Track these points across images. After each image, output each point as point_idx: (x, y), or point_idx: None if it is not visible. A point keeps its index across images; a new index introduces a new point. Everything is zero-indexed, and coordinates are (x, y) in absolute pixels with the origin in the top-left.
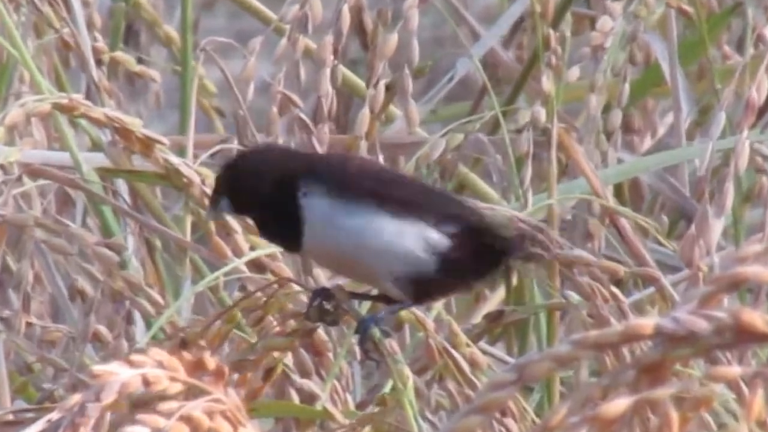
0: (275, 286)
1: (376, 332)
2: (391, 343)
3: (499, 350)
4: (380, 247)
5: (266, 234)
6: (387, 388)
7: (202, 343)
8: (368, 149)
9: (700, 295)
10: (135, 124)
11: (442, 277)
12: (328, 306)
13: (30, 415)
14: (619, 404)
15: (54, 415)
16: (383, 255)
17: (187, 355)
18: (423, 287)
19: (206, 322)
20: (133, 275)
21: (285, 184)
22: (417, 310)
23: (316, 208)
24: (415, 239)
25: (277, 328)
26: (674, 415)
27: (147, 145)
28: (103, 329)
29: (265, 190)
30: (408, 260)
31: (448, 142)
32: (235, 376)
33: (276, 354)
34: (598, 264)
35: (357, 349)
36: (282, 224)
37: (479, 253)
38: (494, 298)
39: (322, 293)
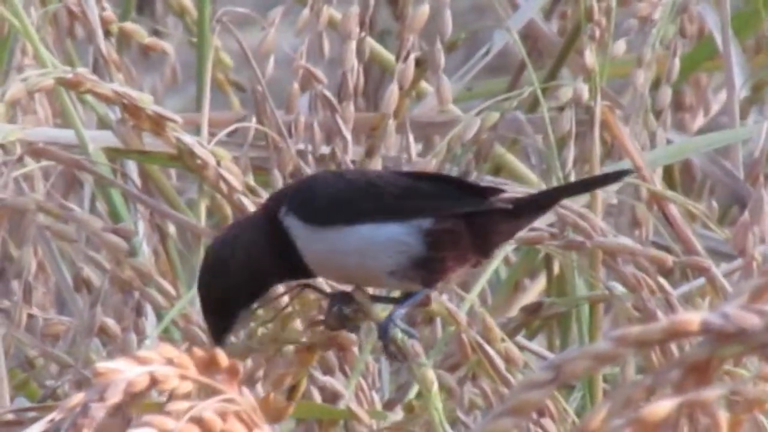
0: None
1: (398, 333)
2: (414, 345)
3: (540, 345)
4: (362, 246)
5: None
6: (414, 392)
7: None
8: (397, 128)
9: (751, 288)
10: (145, 100)
11: (437, 254)
12: (347, 311)
13: (31, 414)
14: (663, 406)
15: (56, 416)
16: (369, 253)
17: (198, 352)
18: (425, 270)
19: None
20: (143, 264)
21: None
22: (449, 303)
23: (294, 229)
24: (395, 226)
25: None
26: (723, 418)
27: (158, 124)
28: (110, 322)
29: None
30: (394, 249)
31: (483, 121)
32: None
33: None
34: (644, 253)
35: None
36: (284, 266)
37: (467, 223)
38: (534, 289)
39: (340, 298)
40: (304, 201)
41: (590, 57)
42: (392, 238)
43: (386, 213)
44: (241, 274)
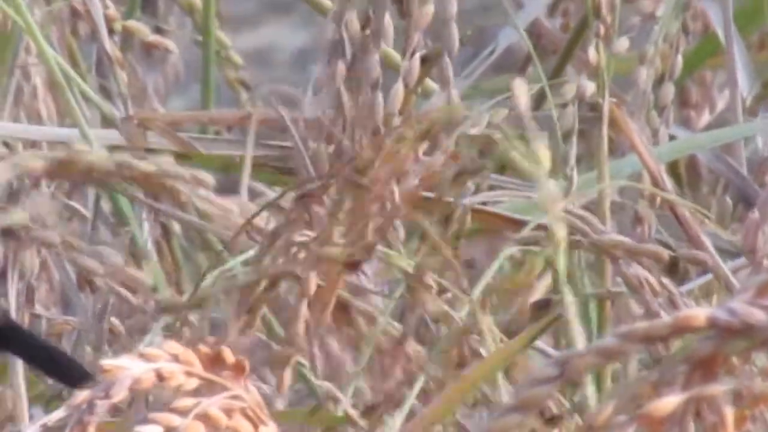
0: None
1: None
2: None
3: (546, 342)
4: None
5: None
6: None
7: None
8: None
9: (757, 284)
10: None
11: None
12: None
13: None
14: (669, 401)
15: (62, 413)
16: None
17: (204, 349)
18: None
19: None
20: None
21: None
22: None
23: None
24: None
25: None
26: (729, 413)
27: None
28: (114, 321)
29: None
30: None
31: (489, 118)
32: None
33: None
34: (638, 249)
35: None
36: None
37: None
38: (540, 287)
39: None
40: None
41: (594, 53)
42: None
43: None
44: None
